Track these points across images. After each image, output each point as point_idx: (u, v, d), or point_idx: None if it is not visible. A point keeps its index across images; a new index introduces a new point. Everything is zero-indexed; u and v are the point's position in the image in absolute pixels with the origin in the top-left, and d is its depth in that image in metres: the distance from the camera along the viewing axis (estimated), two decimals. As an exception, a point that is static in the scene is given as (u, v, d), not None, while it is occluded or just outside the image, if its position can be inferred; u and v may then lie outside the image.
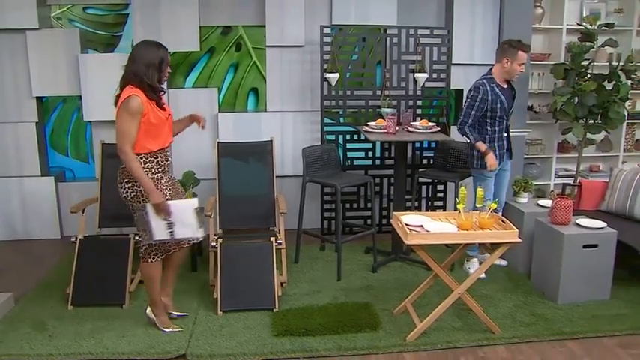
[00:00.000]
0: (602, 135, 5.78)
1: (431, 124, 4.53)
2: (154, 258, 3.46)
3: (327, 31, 4.94)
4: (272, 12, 5.07)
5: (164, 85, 3.44)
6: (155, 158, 3.28)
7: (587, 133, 5.39)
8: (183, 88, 5.37)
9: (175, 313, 3.76)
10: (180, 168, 4.94)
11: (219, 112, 5.22)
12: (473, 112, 4.17)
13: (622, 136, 5.91)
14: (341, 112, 5.16)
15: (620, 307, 3.93)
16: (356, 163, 5.31)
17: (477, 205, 3.64)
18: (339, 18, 5.17)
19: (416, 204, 5.34)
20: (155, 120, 3.19)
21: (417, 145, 5.30)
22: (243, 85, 5.47)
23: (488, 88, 4.14)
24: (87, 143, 5.43)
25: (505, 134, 4.32)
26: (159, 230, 3.30)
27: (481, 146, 4.20)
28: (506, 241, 3.41)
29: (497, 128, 4.25)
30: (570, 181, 5.49)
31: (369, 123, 4.66)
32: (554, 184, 5.77)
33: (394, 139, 4.32)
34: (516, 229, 3.41)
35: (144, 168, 3.21)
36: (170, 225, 3.29)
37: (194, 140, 5.13)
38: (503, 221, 3.57)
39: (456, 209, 3.59)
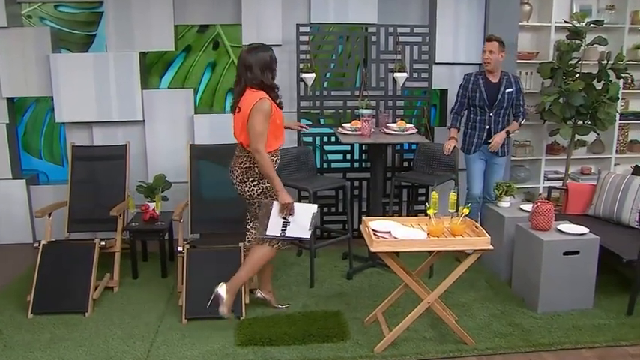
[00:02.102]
0: (593, 136, 5.58)
1: (408, 125, 4.37)
2: (282, 245, 3.63)
3: (303, 29, 4.80)
4: (248, 10, 4.93)
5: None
6: (274, 157, 3.48)
7: (576, 135, 5.21)
8: (158, 89, 5.24)
9: (280, 305, 3.88)
10: (155, 171, 4.83)
11: (195, 113, 5.08)
12: (457, 99, 4.69)
13: (614, 137, 5.71)
14: (323, 114, 5.02)
15: (603, 317, 3.77)
16: (334, 165, 5.16)
17: (450, 210, 3.50)
18: (318, 16, 5.02)
19: (396, 208, 5.20)
20: (279, 120, 3.42)
21: (398, 147, 5.13)
22: (221, 85, 5.34)
23: (472, 78, 4.59)
24: (61, 146, 5.32)
25: (487, 126, 4.57)
26: (274, 227, 3.48)
27: (450, 131, 4.67)
28: (479, 249, 3.26)
29: (478, 117, 4.60)
30: (560, 184, 5.30)
31: (343, 125, 4.50)
32: (543, 187, 5.58)
33: (368, 141, 4.17)
34: (489, 236, 3.26)
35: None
36: (285, 224, 3.47)
37: (167, 143, 5.01)
38: (476, 227, 3.41)
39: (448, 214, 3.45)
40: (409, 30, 4.92)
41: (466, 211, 3.37)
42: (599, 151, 5.77)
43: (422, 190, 5.24)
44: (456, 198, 3.55)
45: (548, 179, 5.70)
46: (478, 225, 3.42)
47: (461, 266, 3.31)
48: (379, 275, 4.43)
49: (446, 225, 3.42)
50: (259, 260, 3.63)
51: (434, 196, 3.52)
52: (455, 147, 4.56)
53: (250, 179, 3.50)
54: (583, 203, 4.73)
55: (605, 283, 4.12)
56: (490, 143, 4.57)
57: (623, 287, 4.05)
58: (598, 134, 5.51)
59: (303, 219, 3.51)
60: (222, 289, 3.52)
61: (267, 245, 3.61)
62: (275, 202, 3.47)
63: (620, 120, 5.66)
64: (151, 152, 5.06)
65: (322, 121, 5.06)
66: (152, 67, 5.21)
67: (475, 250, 3.27)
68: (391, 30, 4.91)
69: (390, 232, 3.35)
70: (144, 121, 5.03)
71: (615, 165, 5.80)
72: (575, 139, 5.39)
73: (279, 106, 3.48)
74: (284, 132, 3.61)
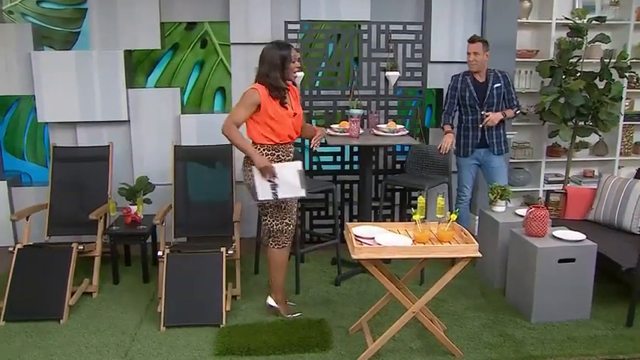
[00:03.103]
0: (596, 138, 5.38)
1: (399, 126, 4.20)
2: (276, 245, 3.63)
3: (292, 27, 4.64)
4: (236, 7, 4.78)
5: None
6: (277, 151, 3.49)
7: (577, 137, 5.02)
8: (145, 88, 5.11)
9: (292, 315, 3.77)
10: (141, 173, 4.71)
11: (182, 113, 4.93)
12: (446, 100, 4.63)
13: (618, 138, 5.49)
14: (312, 114, 4.87)
15: (600, 328, 3.58)
16: (324, 167, 5.00)
17: (438, 215, 3.34)
18: (309, 13, 4.86)
19: (388, 212, 5.03)
20: (274, 115, 3.41)
21: (390, 148, 4.96)
22: (210, 85, 5.19)
23: (460, 78, 4.54)
24: (45, 146, 5.19)
25: (481, 125, 4.46)
26: (263, 191, 3.46)
27: (444, 128, 4.57)
28: (465, 256, 3.09)
29: (469, 117, 4.52)
30: (560, 187, 5.10)
31: (331, 125, 4.34)
32: (544, 191, 5.38)
33: (355, 142, 4.00)
34: (476, 243, 3.08)
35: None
36: (274, 186, 3.45)
37: (153, 144, 4.88)
38: (465, 233, 3.24)
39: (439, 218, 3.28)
40: (402, 27, 4.74)
41: (454, 217, 3.21)
42: (603, 153, 5.56)
43: (415, 194, 5.06)
44: (444, 203, 3.38)
45: (549, 182, 5.50)
46: (467, 231, 3.24)
47: (448, 274, 3.14)
48: (368, 282, 4.26)
49: (434, 231, 3.27)
50: (274, 264, 3.69)
51: (420, 200, 3.36)
52: (453, 142, 4.47)
53: (245, 166, 3.55)
54: (583, 208, 4.53)
55: (603, 293, 3.94)
56: (486, 146, 4.51)
57: (623, 297, 3.84)
58: (600, 135, 5.30)
59: (290, 178, 3.46)
60: (271, 301, 3.72)
61: (270, 248, 3.66)
62: (254, 168, 3.45)
63: (624, 121, 5.45)
64: (136, 153, 4.93)
65: (314, 122, 4.90)
66: (138, 66, 5.08)
67: (462, 258, 3.10)
68: (383, 27, 4.73)
69: (374, 239, 3.19)
70: (129, 121, 4.90)
71: (619, 167, 5.59)
72: (577, 141, 5.20)
73: (283, 104, 3.47)
74: (292, 129, 3.54)
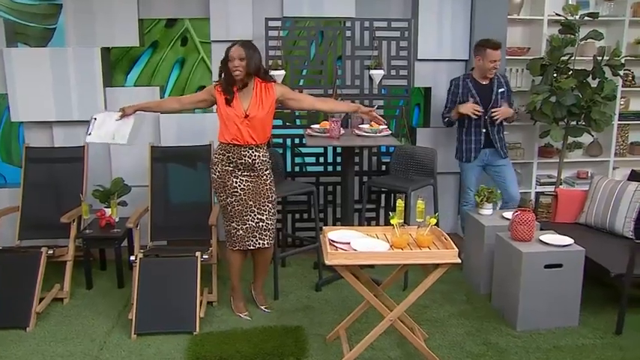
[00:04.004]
0: (590, 138, 5.22)
1: (381, 127, 4.06)
2: (229, 245, 3.64)
3: (273, 24, 4.50)
4: (217, 3, 4.63)
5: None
6: (228, 152, 3.47)
7: (569, 137, 4.86)
8: (124, 86, 4.96)
9: (263, 307, 3.81)
10: (119, 174, 4.57)
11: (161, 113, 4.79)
12: (447, 104, 4.48)
13: (613, 138, 5.33)
14: (297, 114, 4.72)
15: (588, 337, 3.45)
16: (308, 169, 4.86)
17: (418, 220, 3.20)
18: (291, 10, 4.70)
19: (373, 215, 4.89)
20: (223, 113, 3.44)
21: (374, 149, 4.81)
22: (190, 83, 5.04)
23: (461, 82, 4.38)
24: (20, 146, 5.03)
25: (484, 129, 4.36)
26: (90, 128, 3.69)
27: (451, 115, 4.42)
28: (444, 262, 2.94)
29: (473, 122, 4.36)
30: (552, 189, 4.95)
31: (312, 125, 4.20)
32: (535, 192, 5.21)
33: (335, 143, 3.86)
34: (456, 249, 2.94)
35: (216, 157, 3.53)
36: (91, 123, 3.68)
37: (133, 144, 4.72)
38: (445, 238, 3.09)
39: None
40: (387, 24, 4.59)
41: (433, 221, 3.07)
42: (597, 153, 5.38)
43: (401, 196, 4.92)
44: (423, 207, 3.24)
45: (541, 184, 5.33)
46: (447, 236, 3.10)
47: (427, 280, 3.00)
48: (350, 287, 4.06)
49: (414, 235, 3.13)
50: (227, 264, 3.76)
51: (399, 204, 3.23)
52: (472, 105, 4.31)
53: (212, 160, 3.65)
54: (574, 210, 4.39)
55: (593, 299, 3.80)
56: (492, 146, 4.42)
57: (613, 303, 3.70)
58: (593, 136, 5.13)
59: (106, 122, 3.68)
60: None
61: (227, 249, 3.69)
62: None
63: (619, 120, 5.28)
64: (115, 154, 4.79)
65: (298, 122, 4.76)
66: (117, 64, 4.94)
67: (440, 265, 2.95)
68: (367, 24, 4.58)
69: (349, 244, 3.05)
70: (108, 120, 4.75)
71: (614, 168, 5.41)
72: (570, 141, 5.04)
73: (229, 104, 3.44)
74: (244, 132, 3.45)
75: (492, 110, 4.28)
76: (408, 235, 3.10)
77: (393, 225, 3.06)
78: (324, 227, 3.25)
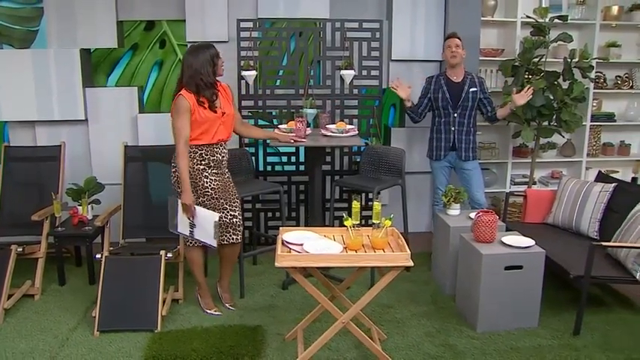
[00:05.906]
0: (562, 138, 5.23)
1: (349, 126, 4.09)
2: (190, 243, 3.71)
3: (244, 25, 4.55)
4: (192, 5, 4.69)
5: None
6: (200, 150, 3.52)
7: (541, 137, 4.88)
8: (102, 87, 5.03)
9: (228, 305, 3.86)
10: (98, 173, 4.67)
11: (139, 112, 4.86)
12: (419, 99, 4.53)
13: (585, 139, 5.35)
14: (275, 113, 4.78)
15: (547, 337, 3.47)
16: (278, 168, 4.92)
17: (373, 221, 3.23)
18: (266, 11, 4.76)
19: (343, 214, 4.91)
20: (202, 120, 3.46)
21: (346, 149, 4.86)
22: (169, 84, 5.10)
23: (434, 79, 4.47)
24: (3, 145, 5.13)
25: (452, 128, 4.40)
26: (183, 225, 3.58)
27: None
28: (396, 265, 2.96)
29: (442, 119, 4.43)
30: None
31: (279, 126, 4.25)
32: (506, 193, 5.23)
33: (300, 143, 3.90)
34: (408, 252, 2.95)
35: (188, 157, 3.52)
36: (192, 225, 3.54)
37: (111, 143, 4.79)
38: (401, 240, 3.12)
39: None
40: (358, 25, 4.63)
41: (388, 223, 3.10)
42: (570, 154, 5.41)
43: (371, 195, 4.95)
44: (380, 208, 3.27)
45: (515, 183, 5.36)
46: (402, 238, 3.13)
47: (379, 284, 3.02)
48: (316, 286, 4.13)
49: (367, 237, 3.16)
50: (189, 263, 3.82)
51: (355, 205, 3.25)
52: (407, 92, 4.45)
53: (173, 165, 3.59)
54: (543, 211, 4.43)
55: (555, 300, 3.84)
56: (457, 151, 4.47)
57: (574, 304, 3.72)
58: (564, 136, 5.15)
59: (207, 225, 3.48)
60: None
61: (185, 246, 3.80)
62: (178, 200, 3.52)
63: (591, 121, 5.31)
64: (95, 153, 4.87)
65: (275, 122, 4.80)
66: (99, 66, 5.01)
67: (392, 268, 2.98)
68: (338, 25, 4.62)
69: (302, 245, 3.09)
70: (87, 120, 4.84)
71: (587, 169, 5.44)
72: (544, 142, 5.05)
73: (212, 108, 3.50)
74: (219, 130, 3.56)
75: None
76: (363, 237, 3.14)
77: (346, 227, 3.10)
78: (281, 228, 3.29)
